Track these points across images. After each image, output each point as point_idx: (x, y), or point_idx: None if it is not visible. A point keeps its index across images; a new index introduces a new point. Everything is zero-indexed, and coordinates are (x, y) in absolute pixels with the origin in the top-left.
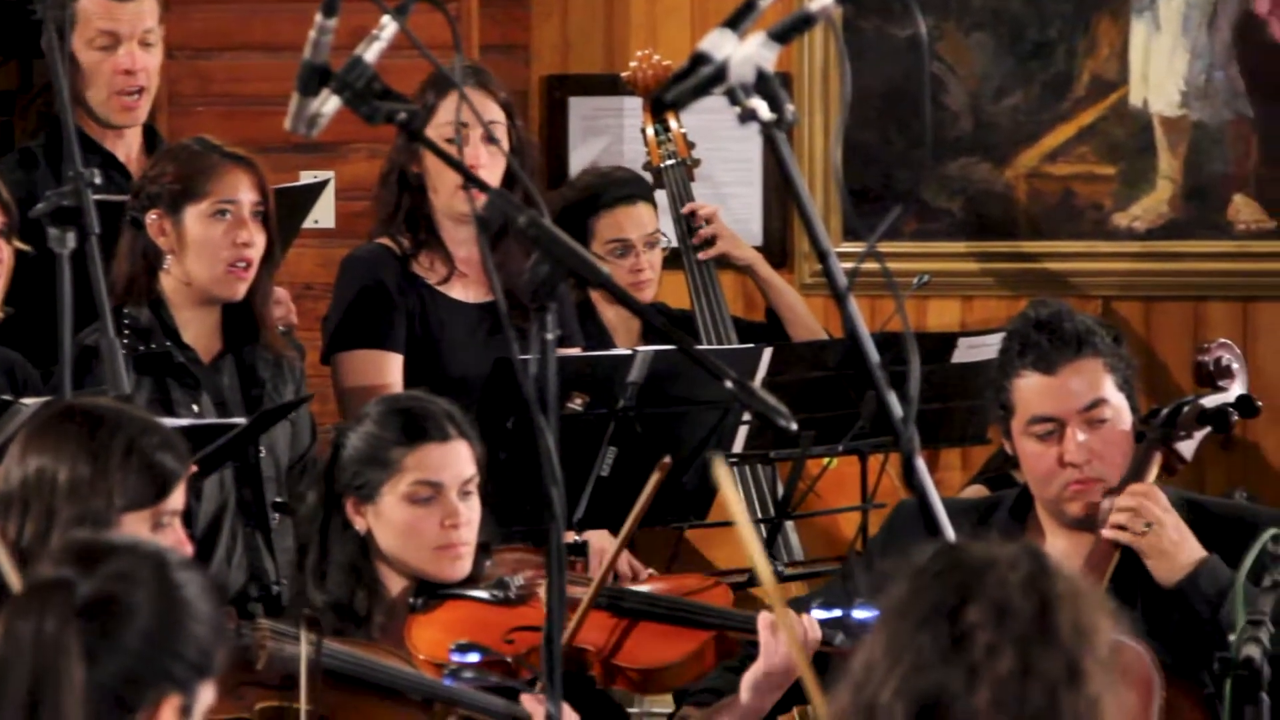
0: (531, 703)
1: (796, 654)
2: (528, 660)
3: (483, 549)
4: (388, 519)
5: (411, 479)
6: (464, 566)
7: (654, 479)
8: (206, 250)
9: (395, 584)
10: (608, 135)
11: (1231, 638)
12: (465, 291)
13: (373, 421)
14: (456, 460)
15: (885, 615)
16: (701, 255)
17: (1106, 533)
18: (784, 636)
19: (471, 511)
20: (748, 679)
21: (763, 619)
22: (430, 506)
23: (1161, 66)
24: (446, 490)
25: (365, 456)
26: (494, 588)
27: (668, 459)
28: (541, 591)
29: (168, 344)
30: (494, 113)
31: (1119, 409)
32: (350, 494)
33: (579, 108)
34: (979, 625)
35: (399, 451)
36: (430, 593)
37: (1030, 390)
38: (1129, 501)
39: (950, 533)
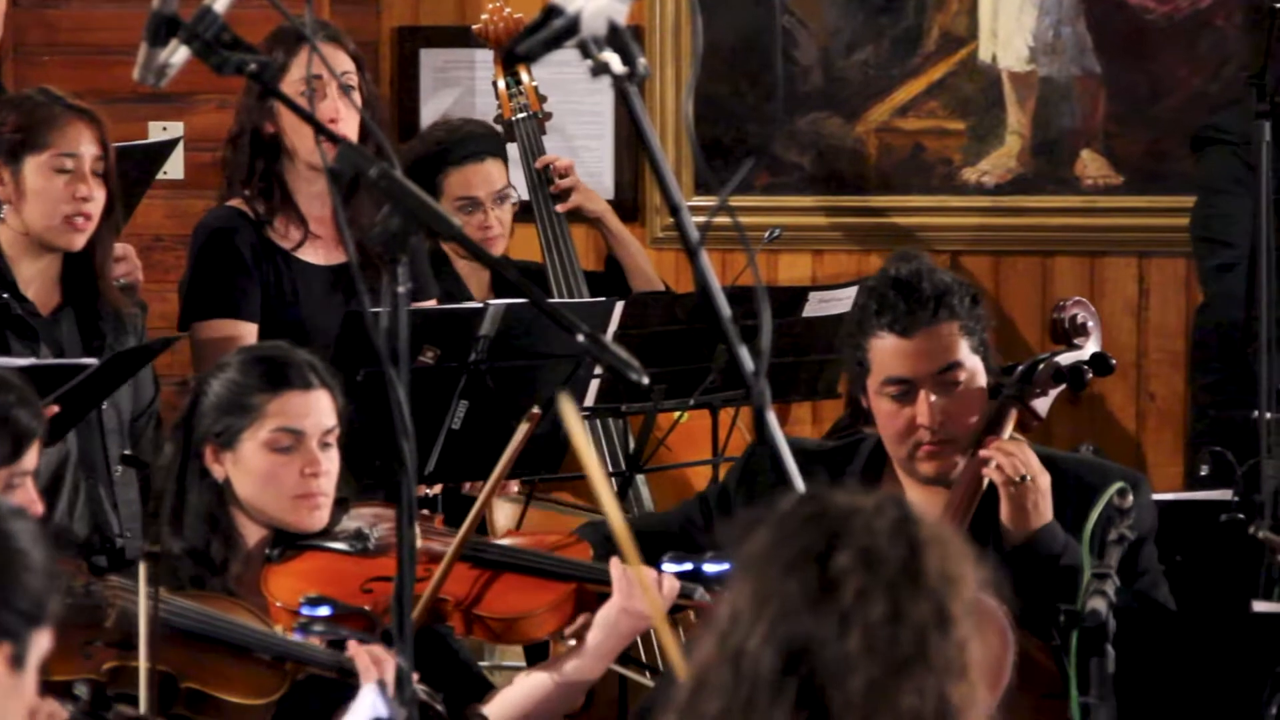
0: (359, 654)
1: (653, 607)
2: (379, 610)
3: (340, 503)
4: (247, 466)
5: (273, 426)
6: (321, 517)
7: (523, 429)
8: (45, 202)
9: (252, 533)
10: (459, 88)
11: (1062, 603)
12: (319, 255)
13: (235, 369)
14: (318, 409)
15: (750, 562)
16: (560, 207)
17: (993, 456)
18: (640, 589)
19: (331, 462)
20: (600, 617)
21: (615, 561)
22: (290, 455)
23: (1010, 22)
24: (307, 439)
25: (226, 403)
26: (352, 539)
27: (537, 409)
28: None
29: (5, 295)
30: (346, 65)
31: (974, 371)
32: (209, 441)
33: (430, 60)
34: (848, 571)
35: (261, 398)
36: (288, 543)
37: (885, 351)
38: (1012, 447)
39: (801, 484)
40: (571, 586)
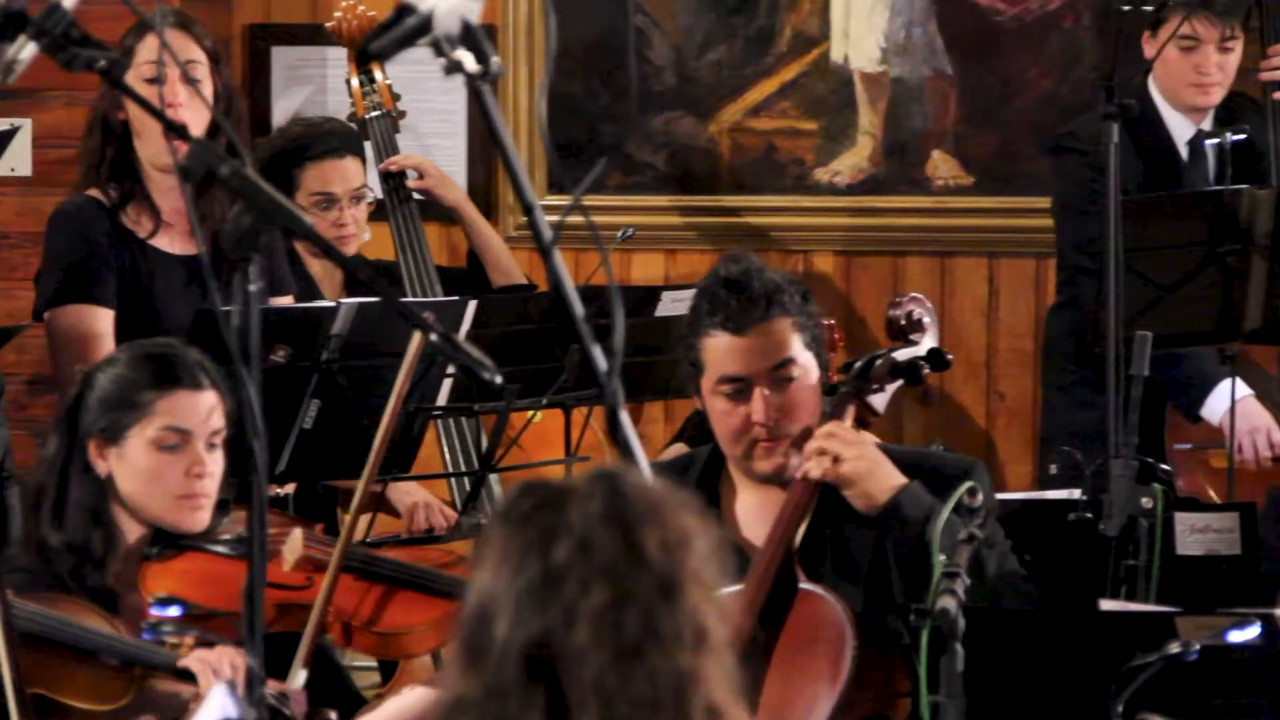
0: (193, 660)
1: None
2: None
3: (222, 505)
4: (131, 463)
5: (160, 424)
6: (203, 518)
7: (384, 421)
8: None
9: (133, 530)
10: (311, 86)
11: (941, 558)
12: (174, 244)
13: (124, 364)
14: (207, 409)
15: (487, 563)
16: (411, 183)
17: (805, 465)
18: None
19: (216, 464)
20: None
21: None
22: (176, 454)
23: (862, 23)
24: (194, 438)
25: (114, 398)
26: (234, 542)
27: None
28: (282, 549)
29: None
30: (194, 53)
31: (807, 367)
32: (94, 436)
33: (282, 57)
34: (567, 563)
35: (150, 395)
36: (168, 542)
37: (718, 350)
38: (816, 444)
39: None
40: (454, 604)
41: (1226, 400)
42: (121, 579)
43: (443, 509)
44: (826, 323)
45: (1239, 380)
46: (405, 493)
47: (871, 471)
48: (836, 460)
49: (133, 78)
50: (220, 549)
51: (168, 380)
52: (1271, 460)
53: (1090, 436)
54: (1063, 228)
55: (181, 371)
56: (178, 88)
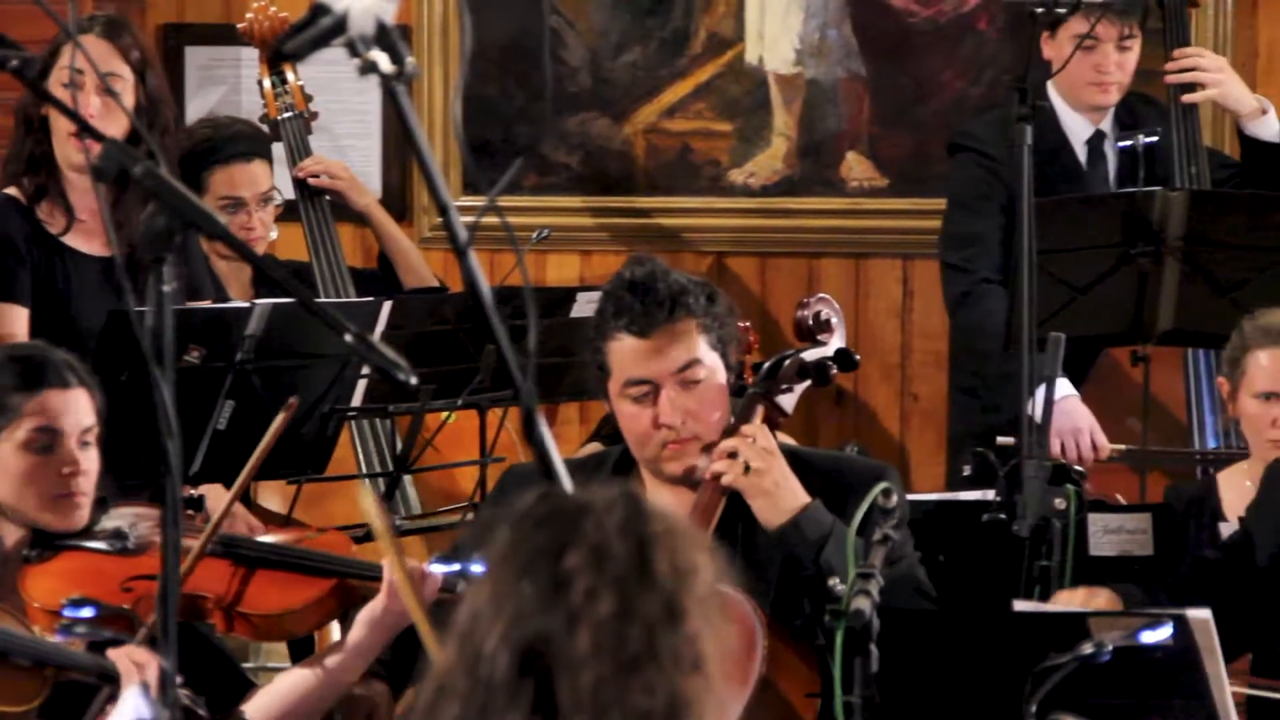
0: (120, 656)
1: (410, 600)
2: (139, 609)
3: (100, 503)
4: (4, 466)
5: (30, 425)
6: (81, 516)
7: (280, 419)
8: None
9: (10, 533)
10: (224, 86)
11: (833, 582)
12: (91, 244)
13: None
14: (76, 408)
15: (490, 564)
16: (314, 182)
17: (715, 467)
18: (405, 586)
19: (90, 461)
20: (364, 614)
21: (388, 567)
22: (48, 455)
23: (776, 24)
24: (66, 438)
25: None
26: (111, 538)
27: (294, 399)
28: (158, 540)
29: None
30: (115, 65)
31: (713, 368)
32: None
33: (195, 57)
34: (578, 570)
35: (18, 398)
36: (46, 543)
37: (624, 353)
38: (732, 443)
39: (570, 488)
40: (333, 582)
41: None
42: (2, 583)
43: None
44: (742, 325)
45: (1063, 380)
46: None
47: (776, 488)
48: (745, 468)
49: (54, 80)
50: (98, 545)
51: (35, 381)
52: (1094, 462)
53: (994, 438)
54: (945, 223)
55: (48, 371)
56: (91, 98)
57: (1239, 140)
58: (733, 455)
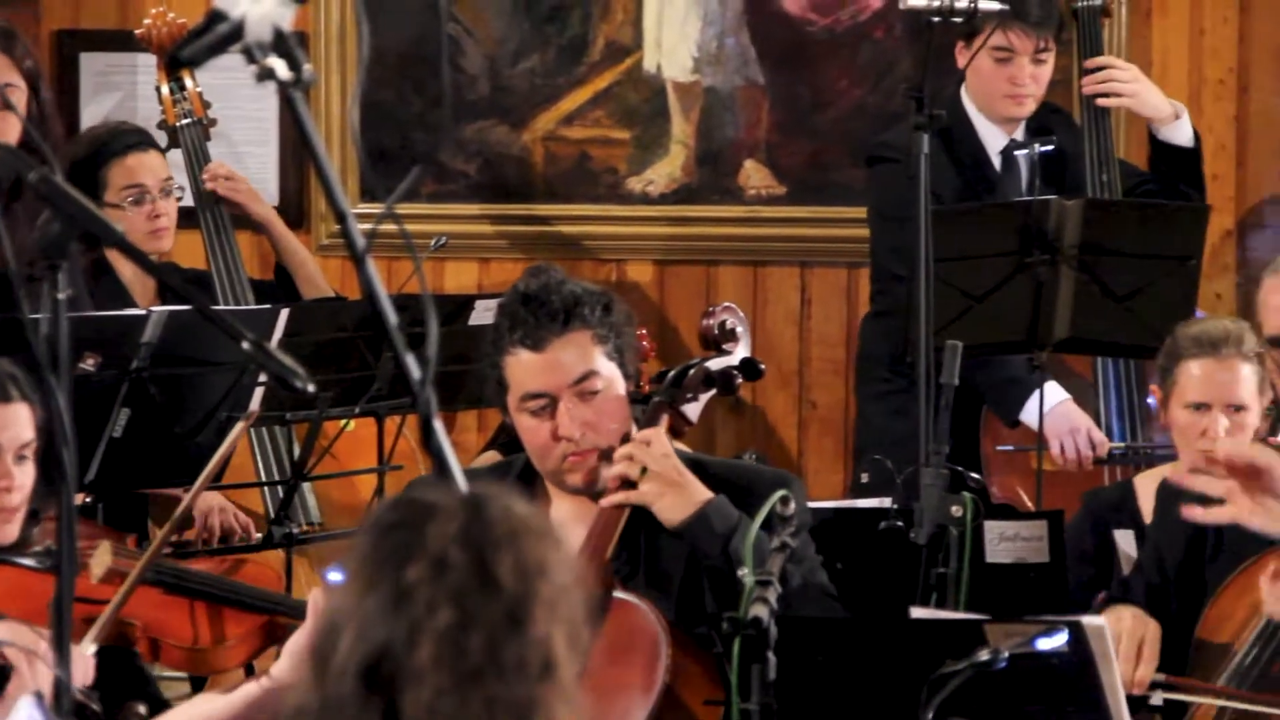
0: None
1: None
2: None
3: (32, 516)
4: None
5: None
6: (11, 531)
7: (238, 428)
8: None
9: None
10: (120, 92)
11: (743, 572)
12: None
13: None
14: (15, 422)
15: (348, 572)
16: (220, 191)
17: (615, 470)
18: None
19: (25, 476)
20: (288, 647)
21: (315, 593)
22: None
23: (674, 33)
24: (2, 452)
25: None
26: (41, 556)
27: (254, 410)
28: (90, 561)
29: None
30: (11, 76)
31: (610, 378)
32: None
33: (91, 63)
34: (419, 581)
35: None
36: None
37: (521, 367)
38: (627, 449)
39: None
40: (263, 619)
41: (1049, 403)
42: None
43: (237, 514)
44: (638, 333)
45: (1056, 385)
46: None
47: (677, 485)
48: (644, 471)
49: None
50: (27, 562)
51: None
52: (1094, 461)
53: (903, 445)
54: (877, 237)
55: None
56: None
57: (1150, 145)
58: (629, 459)
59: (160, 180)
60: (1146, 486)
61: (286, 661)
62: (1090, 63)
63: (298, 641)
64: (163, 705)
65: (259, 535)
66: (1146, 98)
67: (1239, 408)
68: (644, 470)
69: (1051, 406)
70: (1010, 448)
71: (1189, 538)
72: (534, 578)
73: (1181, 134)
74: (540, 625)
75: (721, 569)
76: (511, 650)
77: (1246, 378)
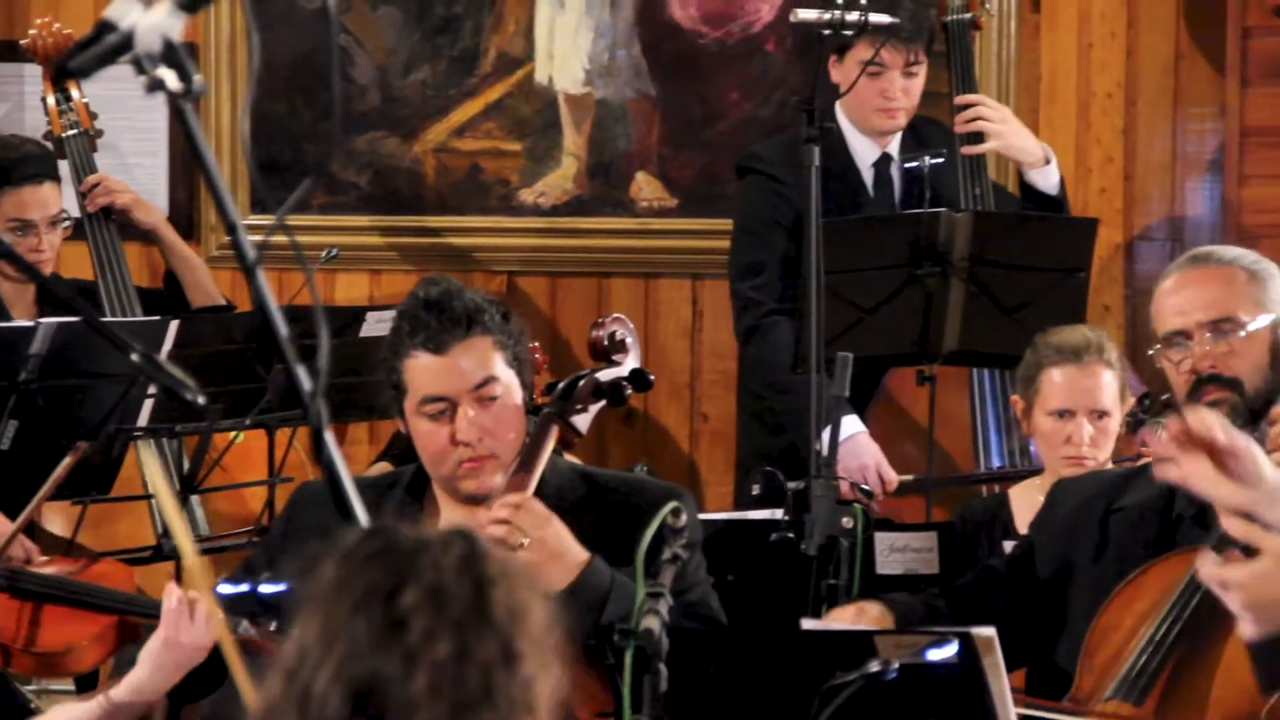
0: None
1: (224, 637)
2: None
3: None
4: None
5: None
6: None
7: (66, 462)
8: None
9: None
10: (7, 103)
11: (617, 638)
12: None
13: None
14: None
15: (317, 600)
16: (100, 200)
17: (490, 533)
18: (204, 616)
19: None
20: (146, 650)
21: (169, 590)
22: None
23: (566, 44)
24: None
25: None
26: None
27: (83, 443)
28: None
29: None
30: None
31: (509, 386)
32: None
33: None
34: (415, 609)
35: None
36: None
37: (421, 370)
38: (502, 514)
39: (360, 508)
40: (113, 619)
41: (840, 436)
42: None
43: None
44: (531, 345)
45: (851, 417)
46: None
47: (556, 555)
48: (524, 542)
49: None
50: None
51: None
52: (884, 494)
53: (783, 459)
54: (733, 250)
55: None
56: None
57: (1020, 188)
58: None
59: (49, 215)
60: (1021, 496)
61: (143, 668)
62: (960, 100)
63: (152, 648)
64: (22, 709)
65: (43, 559)
66: (1014, 140)
67: (1102, 414)
68: (523, 544)
69: (842, 440)
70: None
71: (1070, 533)
72: (523, 617)
73: (1048, 180)
74: (529, 665)
75: (596, 640)
76: (504, 685)
77: (1108, 384)
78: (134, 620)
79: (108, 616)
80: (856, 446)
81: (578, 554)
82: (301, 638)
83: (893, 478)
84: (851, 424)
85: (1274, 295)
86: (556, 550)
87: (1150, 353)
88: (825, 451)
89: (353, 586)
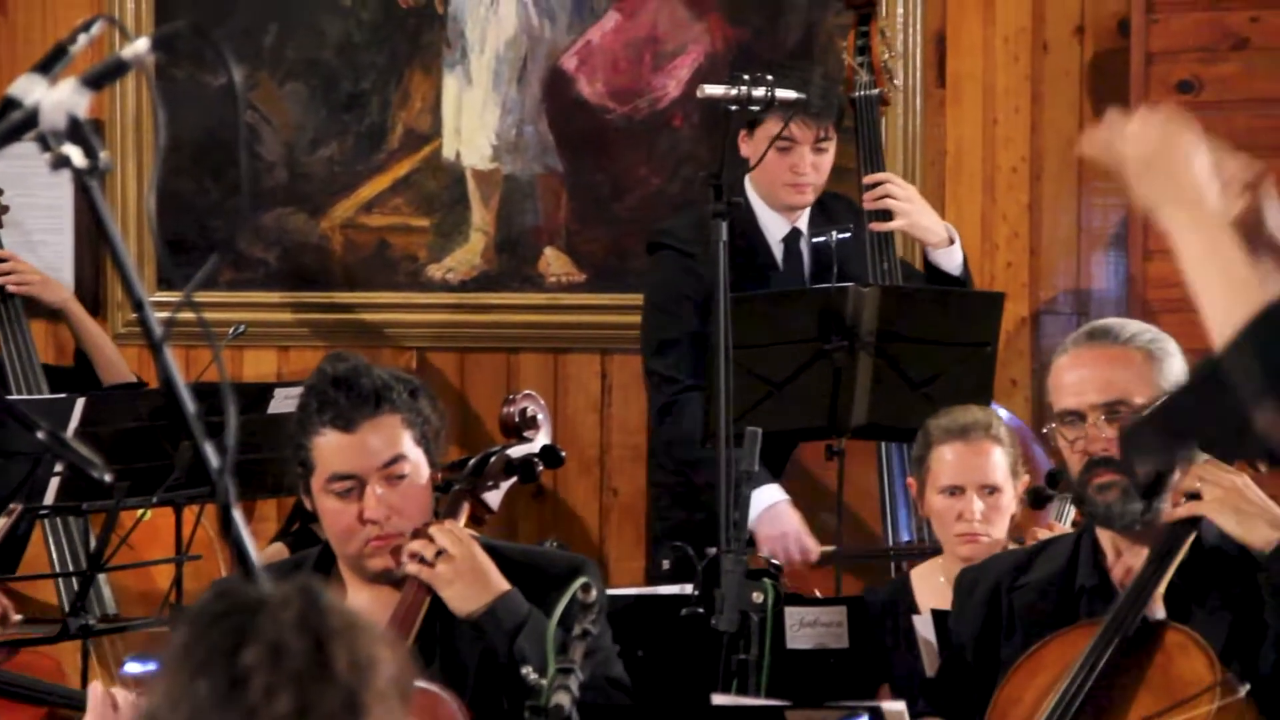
0: None
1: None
2: None
3: None
4: None
5: None
6: None
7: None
8: None
9: None
10: None
11: (526, 670)
12: None
13: None
14: None
15: (166, 663)
16: (13, 288)
17: (410, 547)
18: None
19: None
20: None
21: (94, 690)
22: None
23: (473, 120)
24: None
25: None
26: None
27: (15, 505)
28: None
29: None
30: None
31: (417, 464)
32: None
33: None
34: (255, 667)
35: None
36: None
37: (329, 448)
38: (430, 531)
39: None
40: (43, 711)
41: (758, 508)
42: None
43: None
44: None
45: (772, 486)
46: None
47: (472, 574)
48: (441, 559)
49: None
50: None
51: None
52: (805, 565)
53: (695, 534)
54: (644, 326)
55: None
56: None
57: (925, 268)
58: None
59: None
60: (922, 577)
61: None
62: (868, 179)
63: None
64: None
65: (18, 617)
66: (920, 219)
67: (992, 490)
68: (439, 554)
69: (763, 509)
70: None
71: (984, 620)
72: (368, 670)
73: (952, 260)
74: (374, 717)
75: (507, 666)
76: None
77: (998, 460)
78: (62, 713)
79: (35, 709)
80: (777, 515)
81: (498, 581)
82: (151, 703)
83: (812, 547)
84: (773, 493)
85: (1170, 375)
86: (476, 569)
87: (1044, 430)
88: (736, 525)
89: (196, 649)
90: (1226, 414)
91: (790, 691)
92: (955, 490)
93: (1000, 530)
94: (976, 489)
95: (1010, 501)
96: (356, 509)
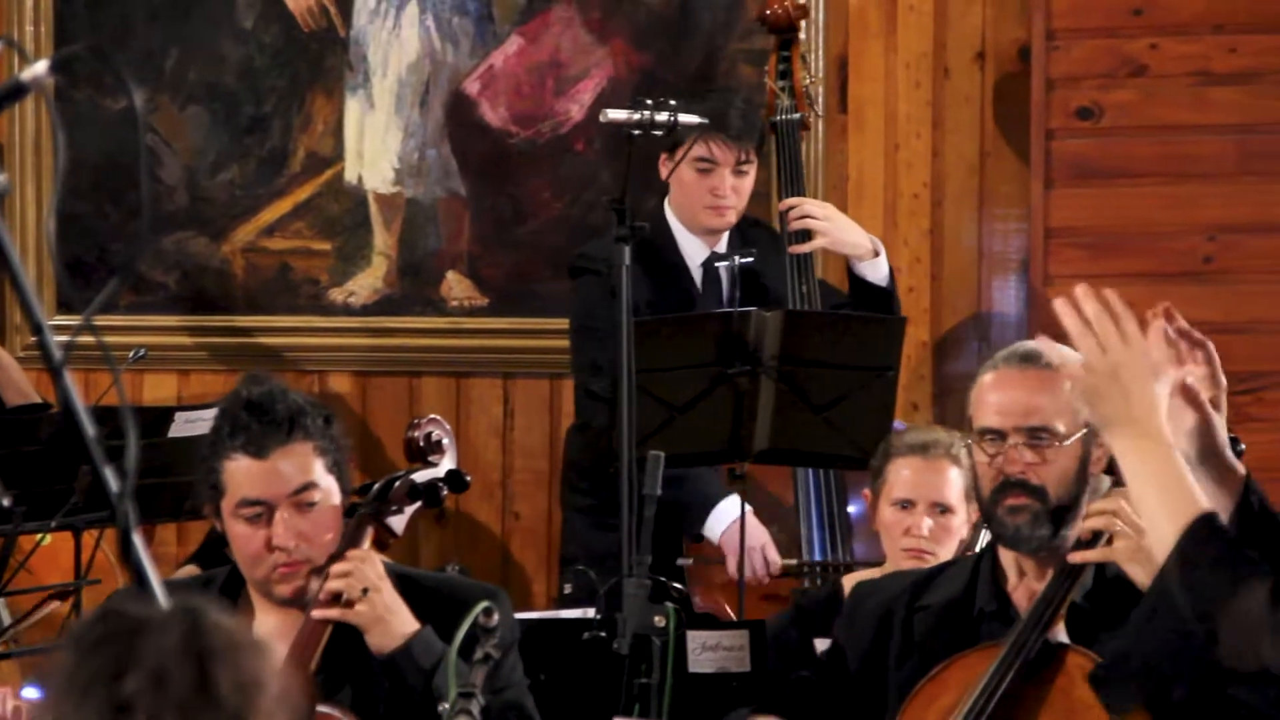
0: None
1: None
2: None
3: None
4: None
5: None
6: None
7: None
8: None
9: None
10: None
11: (443, 707)
12: None
13: None
14: None
15: (52, 689)
16: None
17: (323, 596)
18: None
19: None
20: None
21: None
22: None
23: (375, 143)
24: None
25: None
26: None
27: None
28: None
29: None
30: None
31: (329, 490)
32: None
33: None
34: (138, 694)
35: None
36: None
37: (240, 473)
38: (345, 566)
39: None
40: None
41: (725, 519)
42: None
43: None
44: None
45: (734, 498)
46: None
47: (384, 616)
48: (352, 597)
49: None
50: None
51: None
52: (769, 577)
53: (607, 556)
54: (574, 349)
55: None
56: None
57: (849, 280)
58: (341, 578)
59: None
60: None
61: None
62: (784, 205)
63: None
64: None
65: None
66: (842, 235)
67: (944, 509)
68: (365, 591)
69: (730, 522)
70: (690, 560)
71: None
72: (252, 690)
73: (878, 272)
74: None
75: (421, 702)
76: None
77: (953, 480)
78: None
79: None
80: (745, 529)
81: (408, 620)
82: None
83: (776, 559)
84: (735, 505)
85: None
86: (389, 606)
87: (967, 443)
88: (714, 535)
89: (79, 675)
90: (1180, 637)
91: (692, 716)
92: (907, 504)
93: (947, 551)
94: (928, 506)
95: (961, 524)
96: (265, 535)
